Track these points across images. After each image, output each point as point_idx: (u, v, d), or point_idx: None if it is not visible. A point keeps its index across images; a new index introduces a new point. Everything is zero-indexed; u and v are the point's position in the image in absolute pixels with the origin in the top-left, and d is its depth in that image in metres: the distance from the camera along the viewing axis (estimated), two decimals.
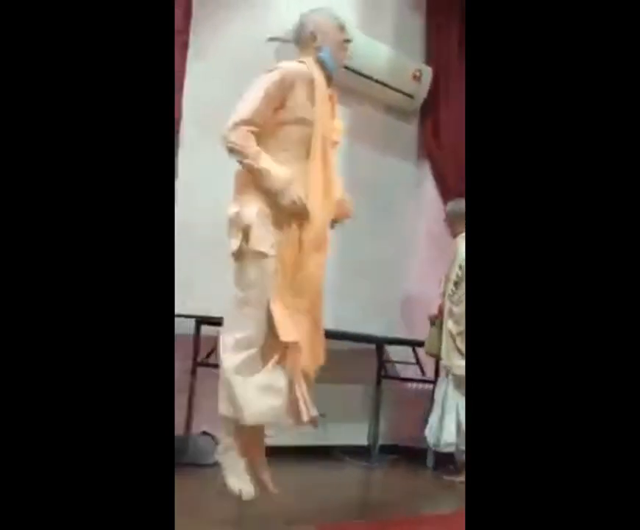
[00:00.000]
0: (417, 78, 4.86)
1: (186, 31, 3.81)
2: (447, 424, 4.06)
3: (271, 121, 2.56)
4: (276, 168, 2.52)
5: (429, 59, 5.06)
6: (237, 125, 2.51)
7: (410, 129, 5.15)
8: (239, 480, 2.49)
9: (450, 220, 4.34)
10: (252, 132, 2.51)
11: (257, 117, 2.52)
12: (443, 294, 4.22)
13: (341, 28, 2.76)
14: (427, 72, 4.92)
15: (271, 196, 2.52)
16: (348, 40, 2.78)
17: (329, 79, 2.71)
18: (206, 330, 3.82)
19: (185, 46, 3.80)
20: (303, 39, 2.73)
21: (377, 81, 4.68)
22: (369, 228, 4.67)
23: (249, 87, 2.58)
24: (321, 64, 2.68)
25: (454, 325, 4.12)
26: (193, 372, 3.82)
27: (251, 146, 2.50)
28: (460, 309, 4.07)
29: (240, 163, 2.54)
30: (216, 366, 3.64)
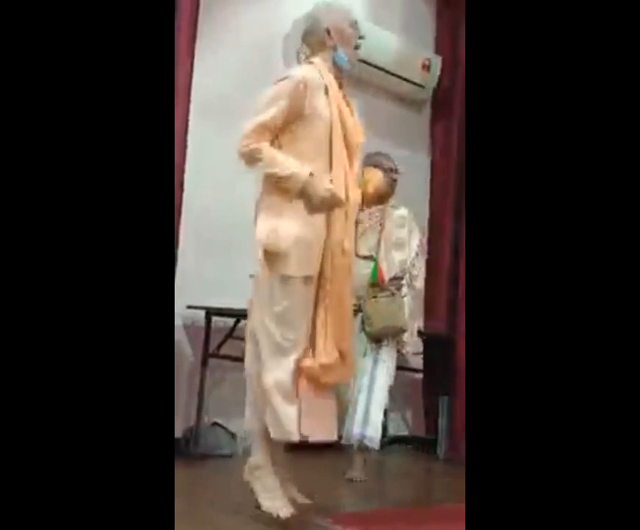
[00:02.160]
0: (426, 67, 4.85)
1: (195, 24, 3.82)
2: (374, 414, 3.56)
3: (289, 132, 2.48)
4: (296, 165, 2.42)
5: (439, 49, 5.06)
6: (250, 132, 2.44)
7: (420, 119, 5.14)
8: (274, 501, 2.45)
9: (385, 182, 3.79)
10: (266, 138, 2.44)
11: (270, 124, 2.44)
12: (373, 259, 3.68)
13: (355, 25, 2.66)
14: (437, 61, 4.91)
15: (297, 196, 2.43)
16: (361, 37, 2.68)
17: (341, 80, 2.62)
18: (216, 321, 3.85)
19: (194, 39, 3.81)
20: (316, 36, 2.62)
21: (386, 71, 4.67)
22: None
23: (260, 95, 2.50)
24: (335, 64, 2.59)
25: (413, 301, 3.72)
26: (204, 363, 3.85)
27: (266, 150, 2.43)
28: (420, 284, 3.75)
29: (257, 168, 2.46)
30: (227, 357, 3.71)
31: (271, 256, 2.43)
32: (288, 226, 2.44)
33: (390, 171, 3.81)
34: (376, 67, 4.59)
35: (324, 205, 2.46)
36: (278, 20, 4.32)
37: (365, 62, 4.46)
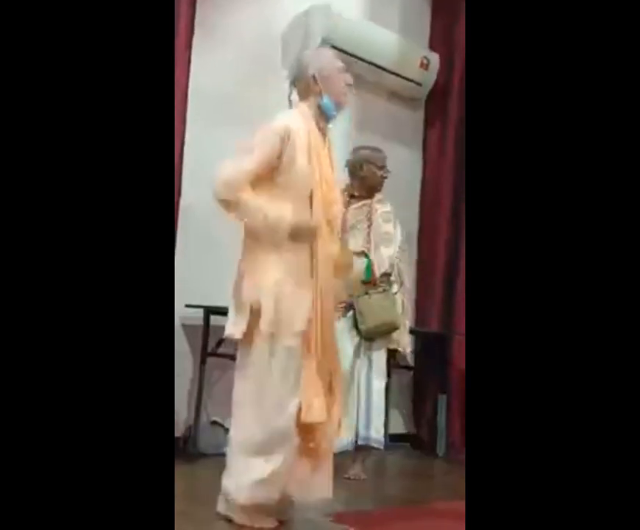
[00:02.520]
0: (425, 65, 4.84)
1: (192, 22, 3.82)
2: (375, 416, 3.60)
3: (267, 180, 2.44)
4: (269, 204, 2.40)
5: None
6: (234, 181, 2.39)
7: (417, 118, 5.14)
8: (257, 517, 2.44)
9: (368, 175, 3.78)
10: (248, 187, 2.40)
11: (253, 173, 2.41)
12: (364, 254, 3.66)
13: (343, 70, 2.62)
14: (435, 60, 4.90)
15: (273, 240, 2.40)
16: (349, 84, 2.63)
17: (325, 128, 2.58)
18: (215, 320, 3.84)
19: (191, 38, 3.80)
20: (303, 81, 2.58)
21: (384, 69, 4.67)
22: None
23: (246, 141, 2.45)
24: (321, 112, 2.55)
25: (406, 299, 3.79)
26: (203, 362, 3.84)
27: (252, 201, 2.39)
28: (408, 280, 3.84)
29: (238, 215, 2.43)
30: (226, 356, 3.71)
31: (256, 315, 2.40)
32: (271, 283, 2.41)
33: (382, 169, 3.80)
34: (373, 64, 4.59)
35: (310, 235, 2.44)
36: (276, 17, 4.32)
37: (362, 59, 4.47)
